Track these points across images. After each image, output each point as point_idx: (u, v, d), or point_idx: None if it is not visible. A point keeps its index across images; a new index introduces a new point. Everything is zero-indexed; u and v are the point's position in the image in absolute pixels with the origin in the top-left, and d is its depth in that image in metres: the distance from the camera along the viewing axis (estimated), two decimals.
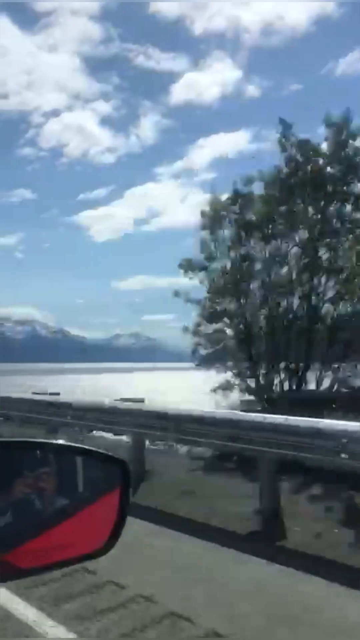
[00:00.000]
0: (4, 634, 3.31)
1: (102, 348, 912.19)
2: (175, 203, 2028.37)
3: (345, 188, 12.57)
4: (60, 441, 1.02)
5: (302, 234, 12.73)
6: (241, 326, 13.06)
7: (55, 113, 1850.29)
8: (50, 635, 3.30)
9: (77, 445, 1.02)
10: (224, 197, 13.12)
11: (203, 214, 13.15)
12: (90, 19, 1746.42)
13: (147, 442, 8.08)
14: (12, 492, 0.90)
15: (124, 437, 8.45)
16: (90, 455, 1.01)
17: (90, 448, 1.02)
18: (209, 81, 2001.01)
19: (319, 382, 12.29)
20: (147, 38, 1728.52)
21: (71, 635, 3.25)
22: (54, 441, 1.01)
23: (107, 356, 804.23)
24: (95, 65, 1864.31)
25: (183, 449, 8.69)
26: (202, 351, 13.87)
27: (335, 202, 12.66)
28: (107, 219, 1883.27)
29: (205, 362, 14.12)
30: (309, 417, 5.84)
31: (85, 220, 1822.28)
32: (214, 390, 12.83)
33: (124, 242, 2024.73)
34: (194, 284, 13.30)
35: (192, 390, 18.22)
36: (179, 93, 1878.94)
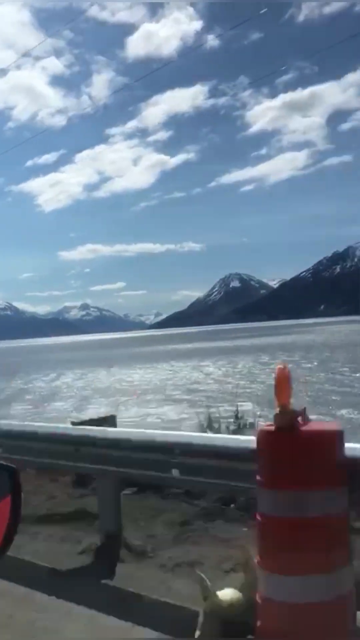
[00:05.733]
0: None
1: (53, 322, 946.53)
2: (128, 166, 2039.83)
3: None
4: None
5: None
6: None
7: (3, 72, 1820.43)
8: None
9: None
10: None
11: None
12: None
13: None
14: None
15: None
16: None
17: None
18: (167, 33, 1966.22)
19: None
20: None
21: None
22: None
23: (59, 330, 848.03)
24: (45, 18, 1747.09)
25: None
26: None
27: None
28: (57, 186, 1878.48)
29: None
30: None
31: (34, 188, 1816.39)
32: None
33: (73, 210, 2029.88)
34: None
35: None
36: (135, 47, 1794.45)
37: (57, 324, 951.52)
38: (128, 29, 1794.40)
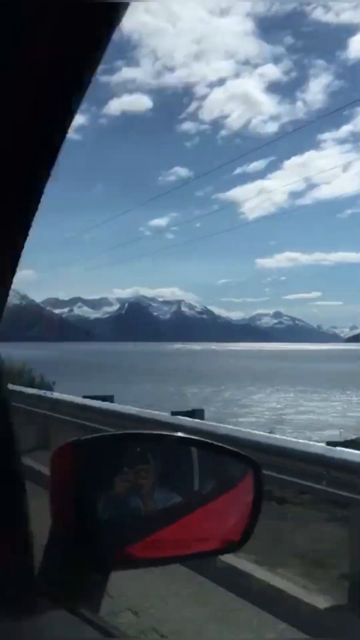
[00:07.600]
0: None
1: (245, 328, 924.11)
2: (336, 172, 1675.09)
3: None
4: (179, 433, 0.98)
5: None
6: None
7: (221, 82, 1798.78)
8: None
9: (198, 438, 0.97)
10: None
11: None
12: None
13: None
14: (125, 483, 0.89)
15: None
16: (213, 450, 0.99)
17: (214, 442, 0.99)
18: None
19: None
20: None
21: None
22: (176, 433, 0.98)
23: (249, 336, 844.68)
24: (267, 26, 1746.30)
25: None
26: None
27: None
28: (262, 194, 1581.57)
29: None
30: None
31: (239, 196, 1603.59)
32: None
33: (276, 217, 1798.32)
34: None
35: None
36: (356, 47, 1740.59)
37: (249, 330, 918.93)
38: (352, 29, 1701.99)
